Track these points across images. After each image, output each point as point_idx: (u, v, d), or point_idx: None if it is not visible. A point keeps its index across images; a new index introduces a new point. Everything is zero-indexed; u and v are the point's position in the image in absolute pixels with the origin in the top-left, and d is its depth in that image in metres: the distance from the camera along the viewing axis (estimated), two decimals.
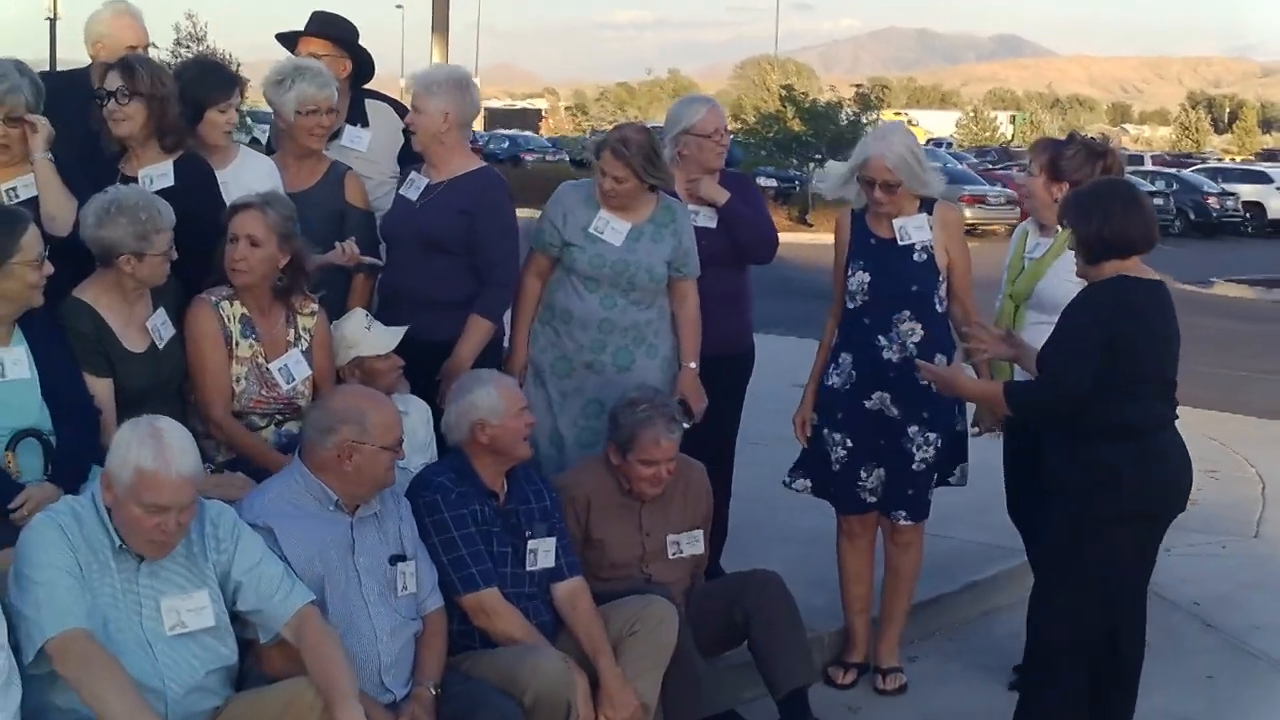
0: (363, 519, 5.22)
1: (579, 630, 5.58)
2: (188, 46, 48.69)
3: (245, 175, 6.37)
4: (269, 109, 6.85)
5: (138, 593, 4.64)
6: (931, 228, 6.58)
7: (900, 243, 6.54)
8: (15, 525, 4.85)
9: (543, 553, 5.65)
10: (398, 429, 5.22)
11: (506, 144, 57.58)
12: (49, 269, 5.26)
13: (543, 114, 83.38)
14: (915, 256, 6.55)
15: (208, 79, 6.52)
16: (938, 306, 6.59)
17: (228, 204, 6.02)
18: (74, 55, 6.59)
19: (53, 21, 47.75)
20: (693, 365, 6.61)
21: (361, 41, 7.43)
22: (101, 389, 5.53)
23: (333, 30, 7.31)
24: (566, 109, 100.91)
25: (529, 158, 52.08)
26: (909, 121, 75.55)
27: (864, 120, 40.36)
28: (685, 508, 6.23)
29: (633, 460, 5.99)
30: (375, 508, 5.26)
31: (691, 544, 6.22)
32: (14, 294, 5.21)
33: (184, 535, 4.68)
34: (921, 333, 6.53)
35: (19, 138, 5.86)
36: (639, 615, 5.58)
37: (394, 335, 6.13)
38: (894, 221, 6.55)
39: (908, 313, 6.53)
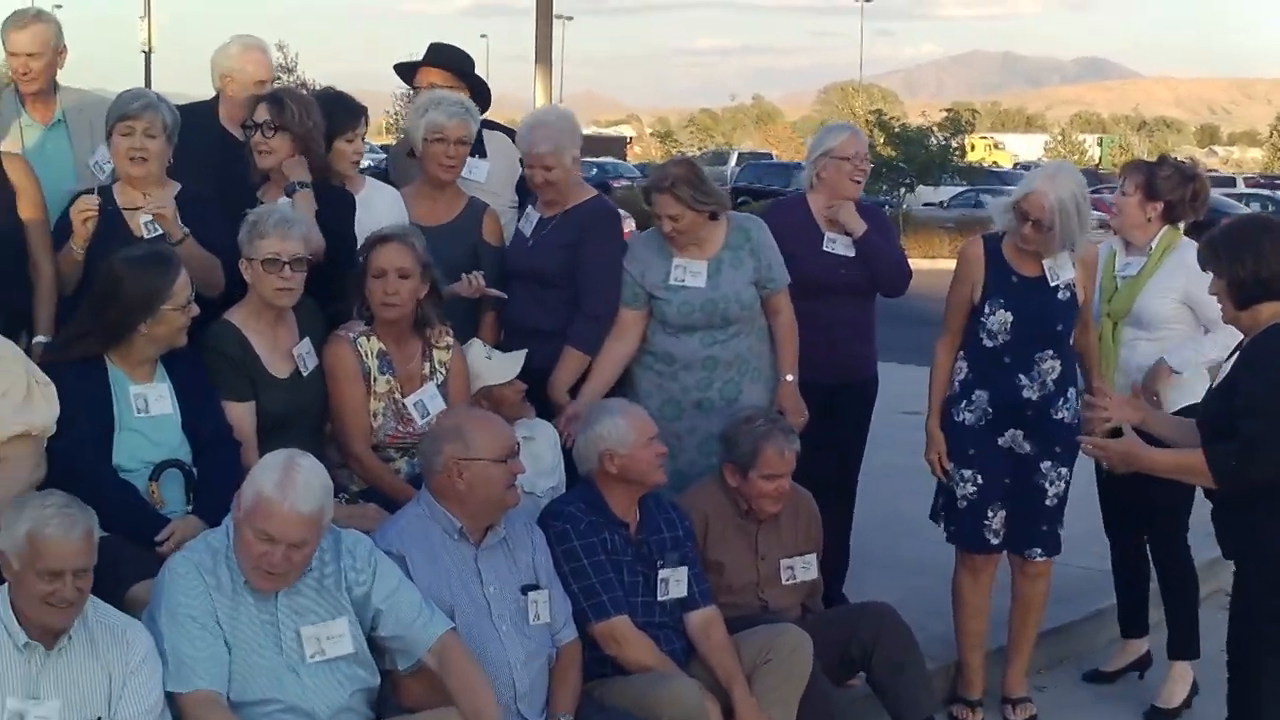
0: (489, 548, 5.25)
1: (712, 659, 5.57)
2: (279, 77, 49.29)
3: (372, 205, 6.42)
4: None
5: (276, 621, 4.73)
6: (1074, 265, 6.47)
7: (1051, 283, 6.42)
8: (160, 556, 4.93)
9: (674, 582, 5.65)
10: (503, 442, 5.21)
11: (595, 171, 57.62)
12: (195, 310, 5.38)
13: (629, 140, 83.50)
14: (1060, 295, 6.43)
15: (335, 109, 6.59)
16: (1070, 340, 6.53)
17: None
18: (168, 88, 6.68)
19: (148, 55, 48.63)
20: (790, 378, 6.56)
21: None
22: (242, 414, 5.59)
23: (448, 60, 7.37)
24: (652, 135, 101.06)
25: (618, 184, 52.08)
26: (995, 145, 75.13)
27: (953, 145, 40.19)
28: (797, 531, 6.20)
29: (754, 477, 5.96)
30: (502, 534, 5.29)
31: (805, 569, 6.18)
32: (162, 337, 5.33)
33: (297, 574, 4.73)
34: (1060, 369, 6.44)
35: (157, 153, 5.97)
36: (772, 644, 5.56)
37: (515, 362, 6.17)
38: (1044, 261, 6.41)
39: (1050, 351, 6.40)
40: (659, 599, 5.62)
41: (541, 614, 5.27)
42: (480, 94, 7.38)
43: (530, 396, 6.27)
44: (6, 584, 4.36)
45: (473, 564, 5.21)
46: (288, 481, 4.61)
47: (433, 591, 5.03)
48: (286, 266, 5.61)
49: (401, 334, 5.96)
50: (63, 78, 6.99)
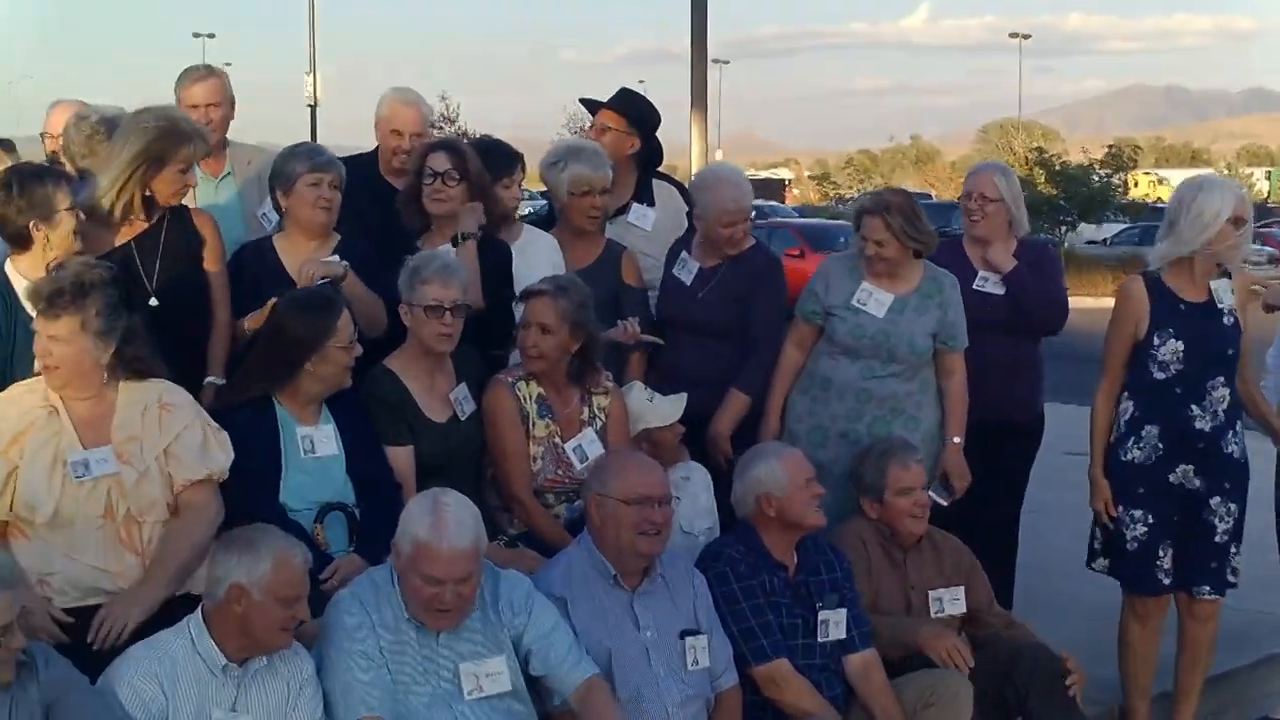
0: (645, 593, 5.28)
1: (873, 703, 5.55)
2: (441, 127, 50.05)
3: (529, 252, 6.51)
4: None
5: (436, 659, 4.83)
6: (1233, 291, 6.39)
7: (1218, 305, 6.33)
8: (325, 594, 5.04)
9: (834, 624, 5.62)
10: (641, 486, 5.21)
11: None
12: (358, 350, 5.51)
13: (786, 183, 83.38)
14: (1225, 319, 6.33)
15: (490, 158, 6.70)
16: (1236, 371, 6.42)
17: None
18: (333, 141, 6.86)
19: (313, 108, 49.62)
20: (957, 440, 6.53)
21: None
22: (402, 458, 5.71)
23: (626, 106, 7.45)
24: (810, 177, 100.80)
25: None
26: (1159, 181, 73.75)
27: (1115, 181, 39.62)
28: (942, 562, 6.15)
29: (890, 499, 5.97)
30: (660, 579, 5.32)
31: (954, 602, 6.10)
32: (328, 376, 5.48)
33: (468, 607, 4.83)
34: (1229, 399, 6.34)
35: (338, 205, 6.16)
36: (934, 688, 5.51)
37: (677, 405, 6.22)
38: (1211, 283, 6.34)
39: (1220, 378, 6.30)
40: (819, 640, 5.60)
41: (700, 659, 5.28)
42: (653, 147, 7.47)
43: (688, 443, 6.32)
44: (205, 616, 4.57)
45: (629, 608, 5.25)
46: (439, 522, 4.73)
47: (591, 634, 5.09)
48: (447, 313, 5.72)
49: (558, 380, 6.04)
50: (233, 133, 7.21)
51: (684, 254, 6.83)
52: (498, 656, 4.87)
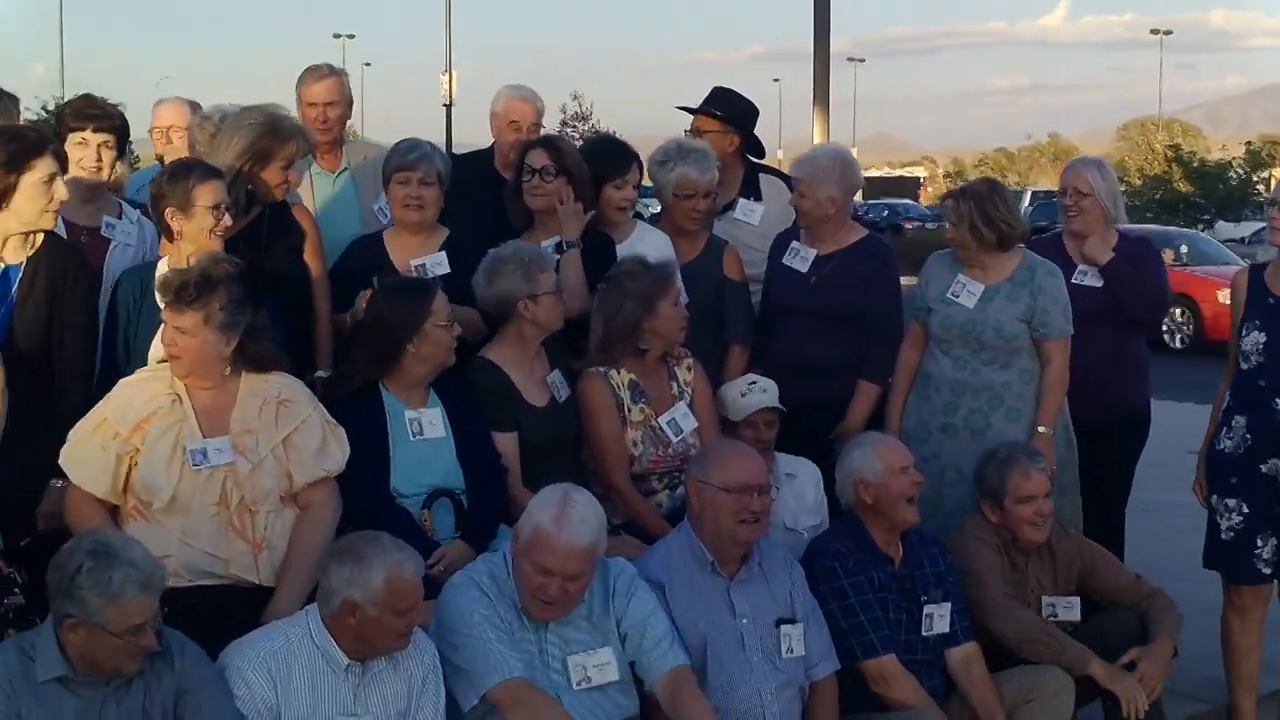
0: (742, 581, 5.32)
1: (973, 697, 5.54)
2: (574, 126, 50.36)
3: (640, 248, 6.54)
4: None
5: (545, 649, 4.89)
6: None
7: None
8: (434, 581, 5.12)
9: (938, 618, 5.62)
10: (739, 473, 5.24)
11: (886, 212, 57.16)
12: (458, 329, 5.63)
13: (921, 182, 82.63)
14: None
15: (603, 157, 6.77)
16: None
17: None
18: (469, 139, 6.97)
19: (448, 107, 50.15)
20: (1042, 429, 6.44)
21: None
22: (507, 444, 5.82)
23: (719, 106, 7.49)
24: (945, 176, 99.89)
25: (909, 225, 51.58)
26: None
27: (1255, 179, 38.91)
28: (1056, 570, 6.10)
29: (1010, 506, 5.93)
30: (757, 567, 5.35)
31: (1067, 609, 6.06)
32: (431, 356, 5.60)
33: (574, 603, 4.89)
34: None
35: (432, 201, 6.26)
36: (1035, 684, 5.50)
37: (755, 400, 6.23)
38: None
39: None
40: (922, 634, 5.61)
41: (795, 648, 5.30)
42: (756, 145, 7.52)
43: (806, 431, 6.35)
44: (323, 618, 4.62)
45: (725, 595, 5.29)
46: (564, 516, 4.79)
47: (687, 620, 5.15)
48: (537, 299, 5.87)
49: (647, 362, 6.10)
50: (372, 130, 7.37)
51: (794, 243, 6.85)
52: (606, 648, 4.93)
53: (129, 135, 6.59)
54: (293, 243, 6.16)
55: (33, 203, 5.31)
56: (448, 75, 50.72)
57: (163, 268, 5.69)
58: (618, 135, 34.19)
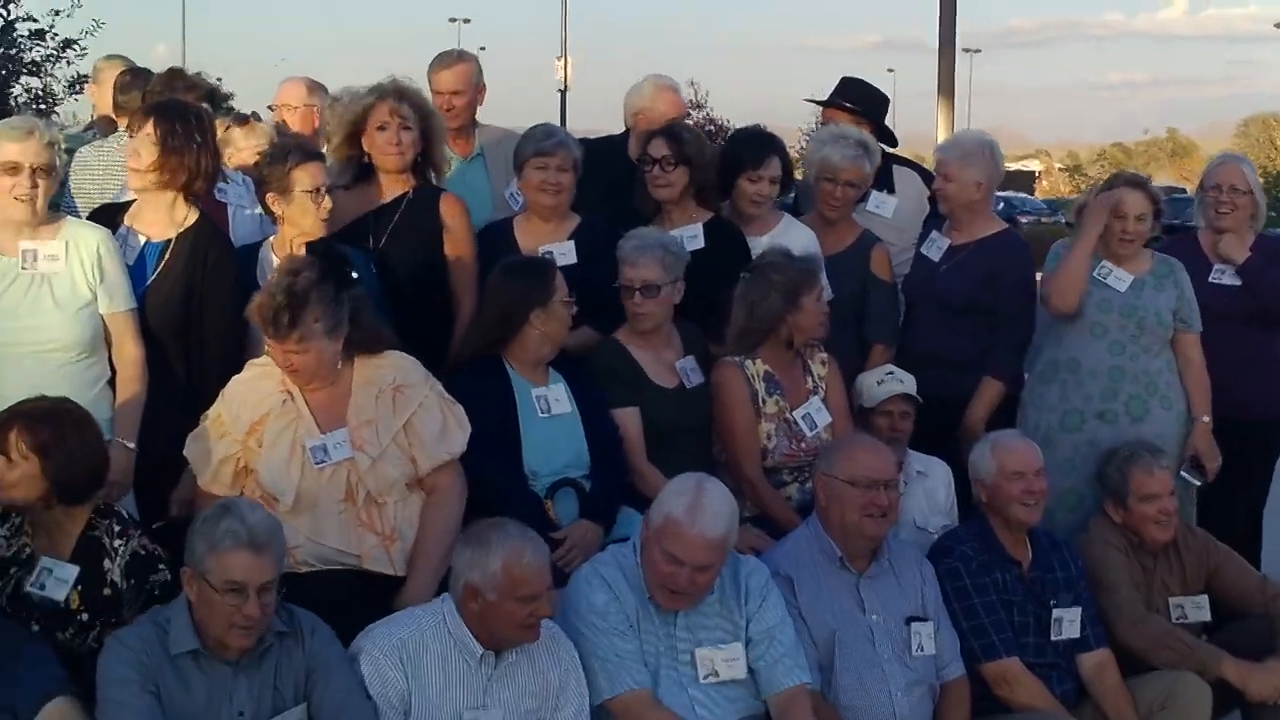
0: (872, 577, 5.27)
1: (1106, 703, 5.45)
2: (689, 114, 50.18)
3: (783, 241, 6.40)
4: None
5: (674, 641, 4.86)
6: None
7: None
8: (562, 567, 5.13)
9: (1068, 622, 5.52)
10: (867, 468, 5.20)
11: (1001, 205, 56.35)
12: (574, 309, 5.63)
13: (1037, 175, 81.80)
14: None
15: (743, 146, 6.72)
16: None
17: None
18: (581, 124, 6.94)
19: (563, 93, 50.29)
20: (1206, 419, 6.38)
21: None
22: (629, 420, 5.79)
23: (849, 98, 7.43)
24: (1061, 169, 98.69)
25: (1024, 219, 51.01)
26: None
27: None
28: (1185, 570, 5.99)
29: (1133, 504, 5.84)
30: (887, 564, 5.30)
31: (1196, 609, 5.94)
32: (554, 333, 5.60)
33: (702, 594, 4.84)
34: None
35: (568, 187, 6.24)
36: (1170, 691, 5.39)
37: (891, 388, 6.16)
38: None
39: None
40: (1051, 639, 5.51)
41: (925, 646, 5.24)
42: (885, 131, 7.43)
43: (934, 426, 6.26)
44: (456, 604, 4.61)
45: (855, 591, 5.24)
46: (697, 506, 4.76)
47: (815, 614, 5.11)
48: (636, 293, 5.85)
49: (782, 353, 6.03)
50: (485, 116, 7.36)
51: (934, 233, 6.79)
52: (735, 643, 4.89)
53: (218, 105, 6.60)
54: (430, 230, 6.08)
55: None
56: (563, 60, 50.83)
57: (269, 253, 5.76)
58: (729, 124, 33.89)
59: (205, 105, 6.33)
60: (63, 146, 5.63)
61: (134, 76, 7.22)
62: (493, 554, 4.49)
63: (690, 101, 51.55)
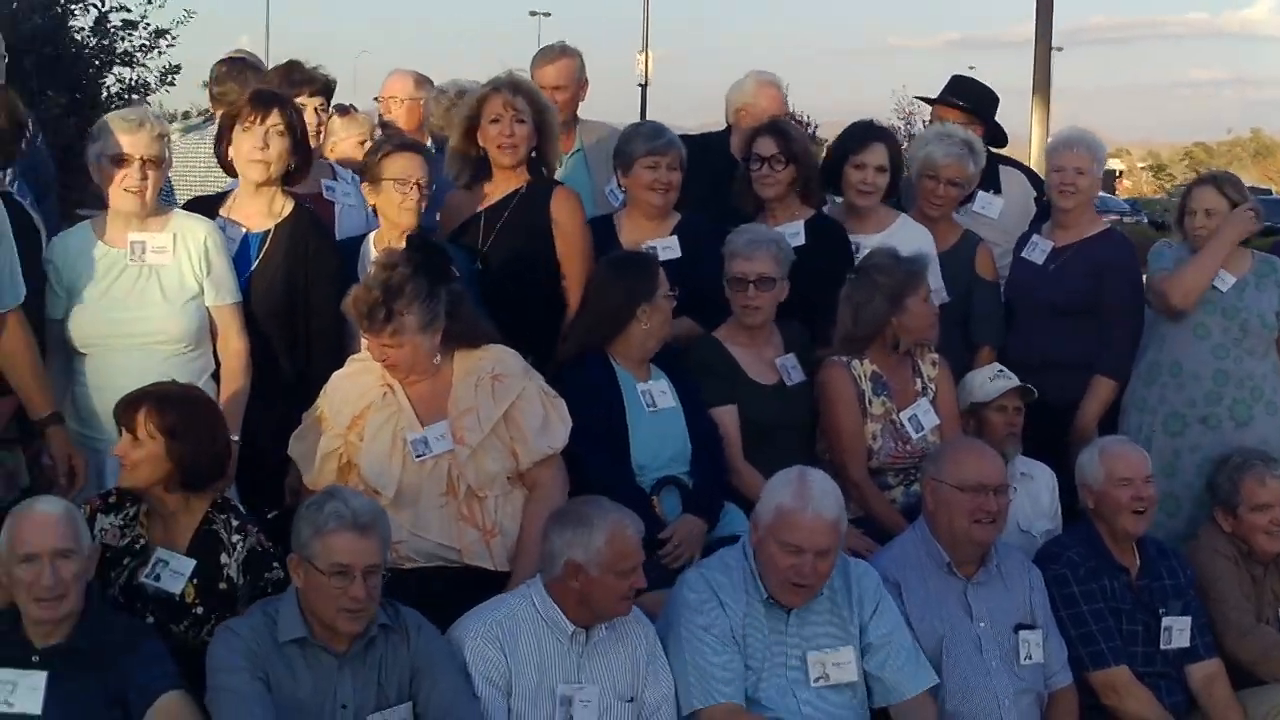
0: (980, 583, 5.21)
1: (1216, 715, 5.39)
2: (789, 112, 50.00)
3: (896, 240, 6.32)
4: None
5: (785, 643, 4.84)
6: None
7: None
8: (667, 569, 5.12)
9: (1177, 631, 5.45)
10: (975, 473, 5.15)
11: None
12: (674, 302, 5.61)
13: (1118, 174, 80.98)
14: None
15: (849, 134, 6.67)
16: None
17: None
18: (662, 120, 6.86)
19: (643, 87, 50.21)
20: None
21: None
22: (727, 417, 5.75)
23: (961, 96, 7.37)
24: (1143, 168, 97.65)
25: (1106, 219, 50.35)
26: None
27: None
28: None
29: (1244, 514, 5.76)
30: (995, 569, 5.24)
31: None
32: (658, 328, 5.58)
33: (823, 582, 4.82)
34: None
35: (677, 186, 6.17)
36: None
37: (1002, 384, 6.09)
38: None
39: None
40: (1160, 648, 5.44)
41: (1034, 654, 5.19)
42: (996, 131, 7.35)
43: (1039, 430, 6.19)
44: (549, 584, 4.65)
45: (962, 597, 5.19)
46: (804, 491, 4.77)
47: (922, 620, 5.07)
48: (751, 286, 5.80)
49: (889, 354, 5.98)
50: None
51: (1035, 236, 6.71)
52: (847, 646, 4.87)
53: (332, 98, 6.62)
54: (538, 226, 6.00)
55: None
56: (644, 55, 50.72)
57: (370, 247, 5.75)
58: (810, 119, 33.58)
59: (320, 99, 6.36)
60: (172, 139, 5.67)
61: (230, 67, 7.22)
62: (596, 531, 4.53)
63: None
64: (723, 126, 7.44)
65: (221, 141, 5.72)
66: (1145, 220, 51.34)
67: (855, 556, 5.20)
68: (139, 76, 18.76)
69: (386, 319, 4.98)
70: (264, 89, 5.99)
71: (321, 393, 5.23)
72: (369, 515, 4.44)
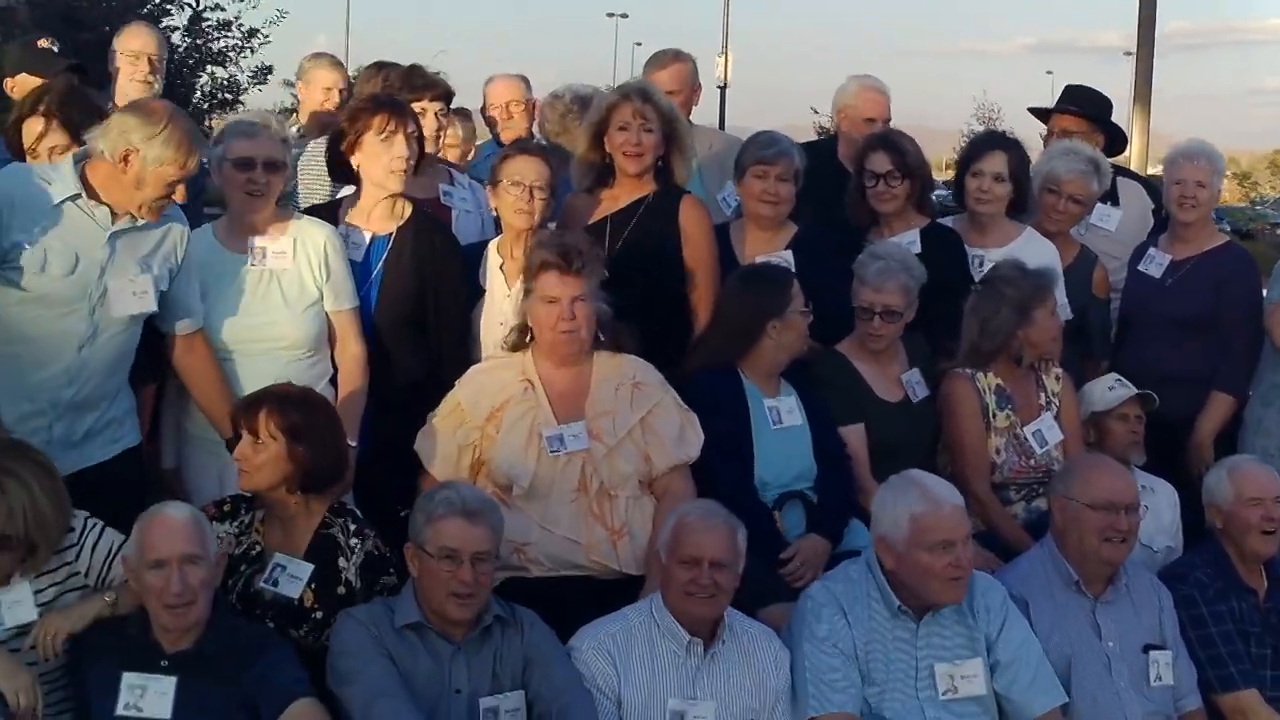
0: (1108, 602, 5.12)
1: None
2: (890, 117, 49.83)
3: (1024, 254, 6.24)
4: None
5: (914, 655, 4.78)
6: None
7: None
8: (792, 583, 5.09)
9: None
10: (1107, 490, 5.06)
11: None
12: (810, 318, 5.54)
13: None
14: None
15: (971, 143, 6.59)
16: None
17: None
18: (742, 123, 6.83)
19: (723, 90, 50.12)
20: None
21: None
22: (854, 437, 5.70)
23: (1080, 105, 7.26)
24: (1226, 176, 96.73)
25: None
26: None
27: None
28: None
29: None
30: (1124, 589, 5.14)
31: None
32: (790, 343, 5.52)
33: (967, 574, 4.77)
34: None
35: (787, 197, 6.09)
36: None
37: (1122, 393, 6.03)
38: None
39: None
40: None
41: (1164, 675, 5.09)
42: (1116, 139, 7.26)
43: (1159, 446, 6.10)
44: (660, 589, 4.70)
45: (1090, 616, 5.10)
46: (928, 490, 4.77)
47: (1050, 639, 4.98)
48: (877, 318, 5.74)
49: (1014, 368, 5.90)
50: None
51: (1151, 249, 6.61)
52: (975, 659, 4.80)
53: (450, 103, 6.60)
54: (665, 234, 5.94)
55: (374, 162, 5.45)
56: (723, 57, 50.62)
57: (491, 252, 5.75)
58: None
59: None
60: (292, 144, 5.66)
61: (378, 70, 7.09)
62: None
63: None
64: (804, 128, 7.40)
65: (337, 147, 5.68)
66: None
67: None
68: (231, 76, 18.96)
69: (584, 265, 5.10)
70: (388, 96, 5.98)
71: (456, 385, 5.28)
72: (478, 503, 4.57)
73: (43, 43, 6.63)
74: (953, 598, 4.73)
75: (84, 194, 4.85)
